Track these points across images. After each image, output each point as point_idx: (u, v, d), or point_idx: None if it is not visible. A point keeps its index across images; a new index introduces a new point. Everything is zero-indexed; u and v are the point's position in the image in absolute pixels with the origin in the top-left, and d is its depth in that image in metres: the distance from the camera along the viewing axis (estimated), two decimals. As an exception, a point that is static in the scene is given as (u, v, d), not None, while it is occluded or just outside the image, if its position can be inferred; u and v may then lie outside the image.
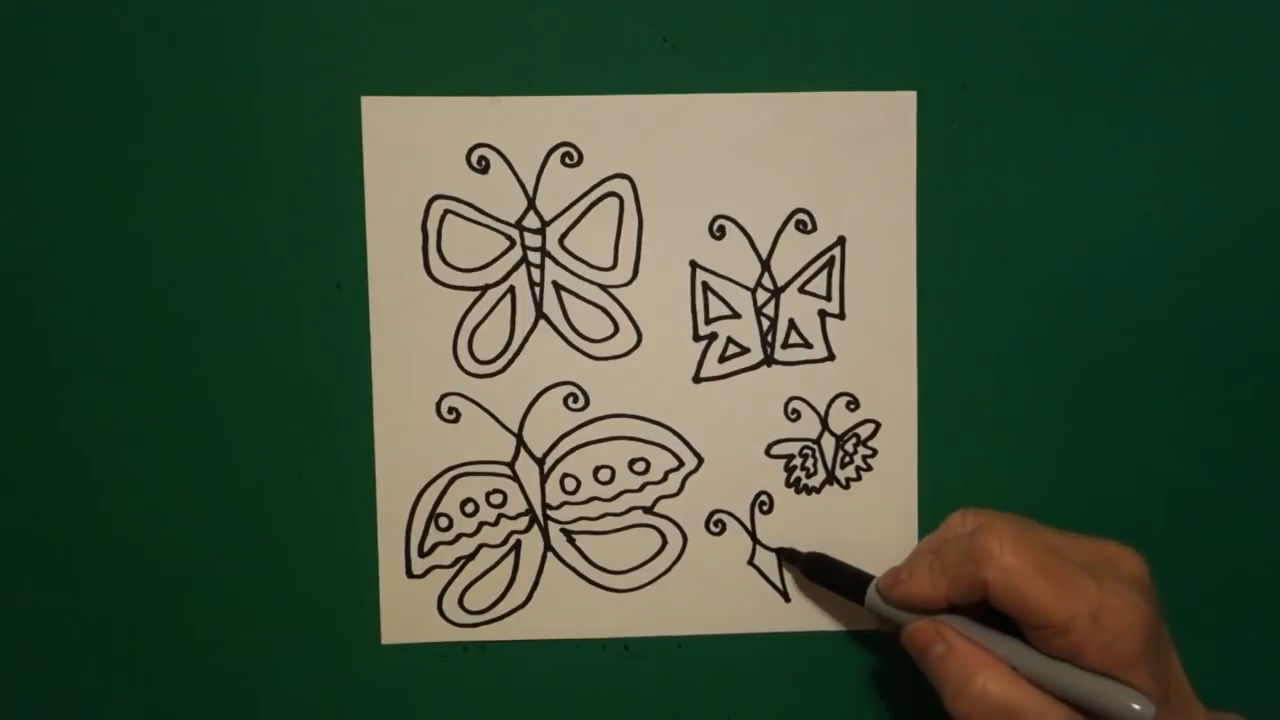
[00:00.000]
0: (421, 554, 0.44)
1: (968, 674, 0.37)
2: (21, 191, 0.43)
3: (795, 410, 0.45)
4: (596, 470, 0.44)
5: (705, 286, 0.44)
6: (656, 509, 0.45)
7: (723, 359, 0.44)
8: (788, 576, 0.45)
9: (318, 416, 0.44)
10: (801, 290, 0.44)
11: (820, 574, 0.43)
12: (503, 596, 0.44)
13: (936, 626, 0.39)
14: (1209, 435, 0.45)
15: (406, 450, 0.44)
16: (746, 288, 0.44)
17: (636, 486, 0.44)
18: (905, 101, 0.44)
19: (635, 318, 0.44)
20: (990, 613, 0.38)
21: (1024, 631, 0.37)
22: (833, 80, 0.44)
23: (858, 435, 0.45)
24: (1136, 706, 0.35)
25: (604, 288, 0.44)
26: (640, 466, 0.44)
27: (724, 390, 0.44)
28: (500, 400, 0.44)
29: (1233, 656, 0.45)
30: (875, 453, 0.45)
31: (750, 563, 0.45)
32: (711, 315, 0.44)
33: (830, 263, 0.44)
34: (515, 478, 0.44)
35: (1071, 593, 0.36)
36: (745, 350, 0.44)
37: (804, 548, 0.44)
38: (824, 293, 0.44)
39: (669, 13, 0.43)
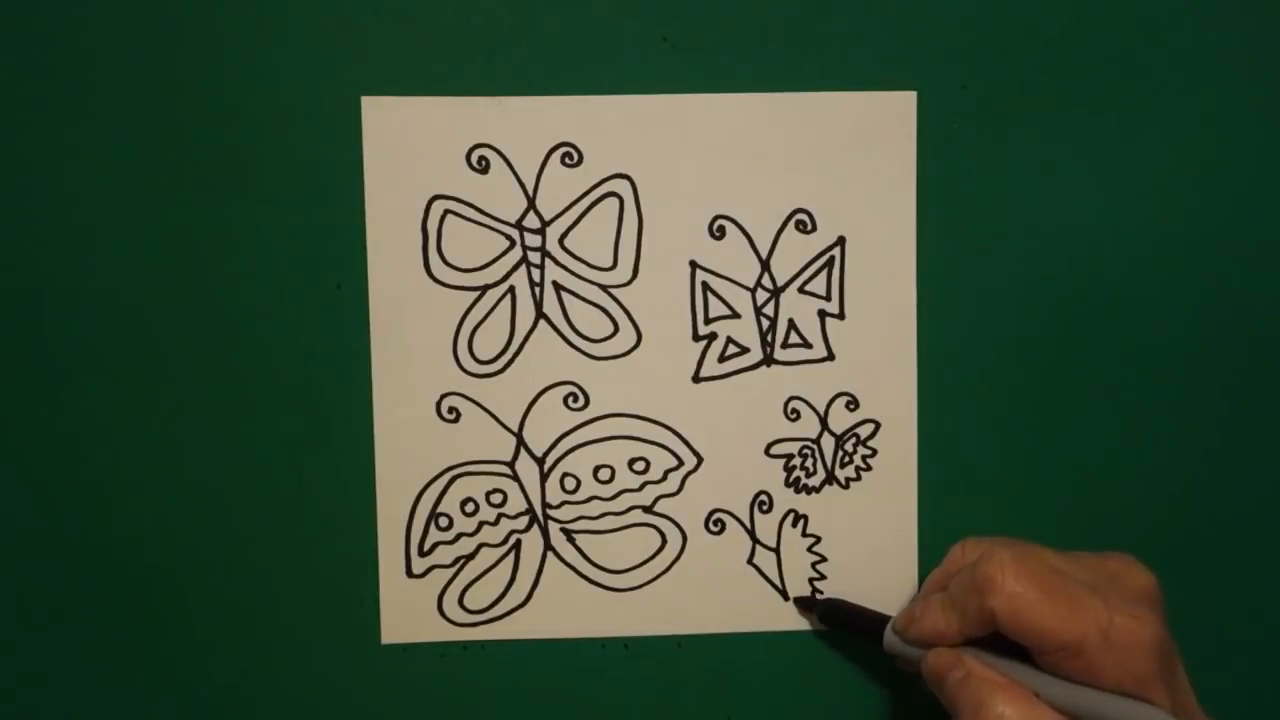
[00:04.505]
0: (421, 553, 0.44)
1: (985, 698, 0.37)
2: (21, 191, 0.43)
3: (795, 410, 0.45)
4: (596, 470, 0.44)
5: (705, 286, 0.44)
6: (656, 508, 0.45)
7: (722, 359, 0.44)
8: (787, 576, 0.45)
9: (318, 416, 0.43)
10: (801, 290, 0.44)
11: (836, 619, 0.44)
12: (503, 596, 0.44)
13: (956, 653, 0.39)
14: (1209, 435, 0.45)
15: (406, 450, 0.44)
16: (746, 288, 0.44)
17: (636, 486, 0.45)
18: (905, 101, 0.44)
19: (635, 318, 0.44)
20: (1007, 647, 0.38)
21: (1037, 659, 0.37)
22: (833, 80, 0.44)
23: (857, 435, 0.45)
24: None
25: (604, 288, 0.44)
26: (640, 466, 0.44)
27: (724, 390, 0.44)
28: (500, 400, 0.44)
29: (1231, 664, 0.45)
30: (875, 452, 0.45)
31: (750, 562, 0.45)
32: (711, 315, 0.44)
33: (830, 263, 0.44)
34: (515, 477, 0.44)
35: (1079, 613, 0.36)
36: (745, 350, 0.44)
37: (805, 550, 0.44)
38: (824, 293, 0.44)
39: (669, 13, 0.43)
